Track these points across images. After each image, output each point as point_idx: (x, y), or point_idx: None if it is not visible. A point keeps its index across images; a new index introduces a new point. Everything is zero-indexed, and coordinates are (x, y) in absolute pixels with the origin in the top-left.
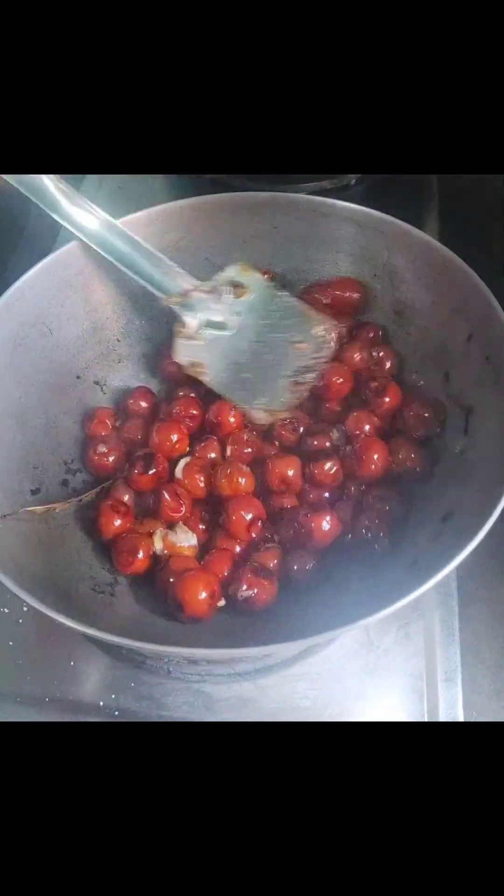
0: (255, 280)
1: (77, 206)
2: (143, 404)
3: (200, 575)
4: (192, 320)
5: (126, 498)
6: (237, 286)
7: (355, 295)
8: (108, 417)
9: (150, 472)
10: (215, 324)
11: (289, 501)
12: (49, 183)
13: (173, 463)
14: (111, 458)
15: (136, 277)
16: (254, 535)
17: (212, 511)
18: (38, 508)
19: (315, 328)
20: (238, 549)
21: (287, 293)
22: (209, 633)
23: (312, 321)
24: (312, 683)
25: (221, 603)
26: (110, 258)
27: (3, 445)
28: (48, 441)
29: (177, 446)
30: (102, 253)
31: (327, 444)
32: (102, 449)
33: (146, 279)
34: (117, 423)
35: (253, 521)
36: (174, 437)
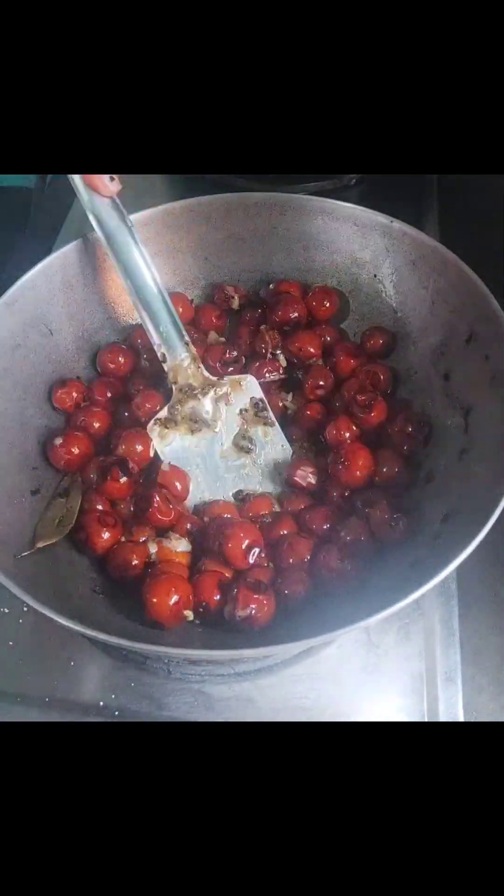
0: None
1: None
2: (108, 394)
3: (171, 579)
4: (184, 406)
5: (103, 507)
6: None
7: (327, 304)
8: (77, 390)
9: (122, 480)
10: (199, 418)
11: (287, 528)
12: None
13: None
14: (75, 451)
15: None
16: (251, 562)
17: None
18: (38, 546)
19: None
20: (227, 574)
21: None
22: (209, 633)
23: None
24: (312, 683)
25: (190, 615)
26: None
27: (3, 446)
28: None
29: (144, 454)
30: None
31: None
32: (58, 441)
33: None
34: (83, 403)
35: (249, 547)
36: (140, 448)
